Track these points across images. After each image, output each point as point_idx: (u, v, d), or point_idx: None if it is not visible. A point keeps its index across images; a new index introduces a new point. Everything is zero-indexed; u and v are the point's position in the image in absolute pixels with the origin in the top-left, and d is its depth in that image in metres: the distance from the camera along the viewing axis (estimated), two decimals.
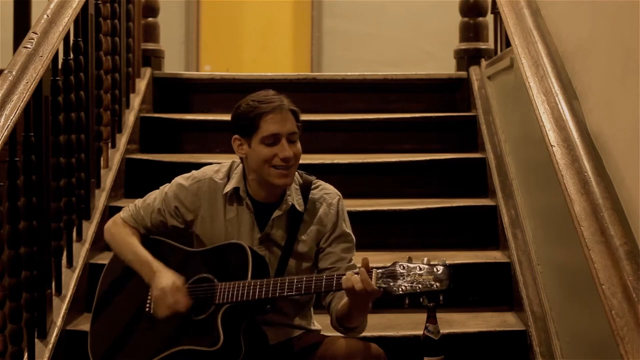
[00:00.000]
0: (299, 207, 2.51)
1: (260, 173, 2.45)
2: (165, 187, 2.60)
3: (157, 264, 2.47)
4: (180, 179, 2.59)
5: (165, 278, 2.42)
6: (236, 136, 2.48)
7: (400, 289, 2.21)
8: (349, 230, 2.56)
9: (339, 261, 2.50)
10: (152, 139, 4.17)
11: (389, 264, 2.26)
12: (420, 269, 2.22)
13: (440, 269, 2.21)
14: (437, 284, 2.19)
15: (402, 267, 2.23)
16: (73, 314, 3.10)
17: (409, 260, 2.25)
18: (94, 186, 3.50)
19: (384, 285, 2.23)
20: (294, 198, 2.51)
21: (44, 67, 2.84)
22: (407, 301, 2.21)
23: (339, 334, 2.50)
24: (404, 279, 2.22)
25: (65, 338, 2.99)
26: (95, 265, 3.25)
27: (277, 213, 2.50)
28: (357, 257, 2.97)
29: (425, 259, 2.24)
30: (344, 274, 2.30)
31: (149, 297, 2.49)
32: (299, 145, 2.47)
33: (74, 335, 3.00)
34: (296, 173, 2.57)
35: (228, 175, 2.56)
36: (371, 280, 2.24)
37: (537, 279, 3.03)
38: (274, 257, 2.51)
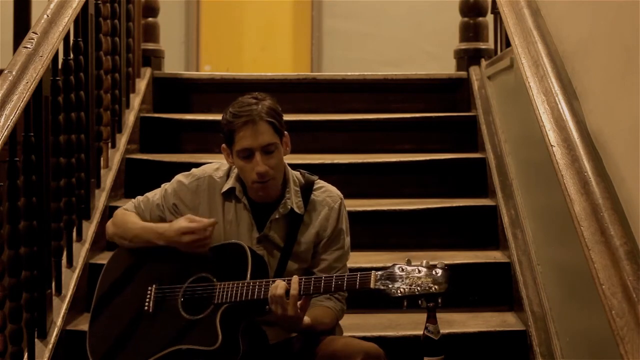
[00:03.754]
0: (299, 209, 2.51)
1: (245, 183, 2.48)
2: (166, 185, 2.63)
3: (162, 224, 2.51)
4: (180, 177, 2.60)
5: (177, 223, 2.46)
6: (223, 145, 2.51)
7: (398, 292, 2.21)
8: (345, 236, 2.56)
9: (329, 269, 2.51)
10: (152, 139, 4.17)
11: (388, 264, 2.26)
12: (419, 272, 2.22)
13: (439, 271, 2.21)
14: (436, 287, 2.19)
15: (400, 269, 2.23)
16: (73, 314, 3.10)
17: (408, 262, 2.25)
18: (94, 186, 3.50)
19: (382, 287, 2.23)
20: (294, 200, 2.51)
21: (44, 67, 2.84)
22: (405, 303, 2.21)
23: (338, 335, 2.51)
24: (402, 281, 2.22)
25: (65, 338, 2.99)
26: (95, 265, 3.25)
27: (275, 216, 2.50)
28: (358, 257, 2.99)
29: (424, 262, 2.24)
30: (344, 275, 2.31)
31: (148, 297, 2.49)
32: (278, 154, 2.45)
33: (74, 335, 3.00)
34: (298, 173, 2.58)
35: (228, 174, 2.56)
36: (370, 281, 2.24)
37: (537, 279, 3.03)
38: (273, 258, 2.51)
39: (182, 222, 2.46)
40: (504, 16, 3.29)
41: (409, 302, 2.21)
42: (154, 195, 2.62)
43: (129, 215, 2.60)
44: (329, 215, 2.54)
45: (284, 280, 2.33)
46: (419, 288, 2.20)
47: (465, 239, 3.62)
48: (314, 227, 2.53)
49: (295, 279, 2.32)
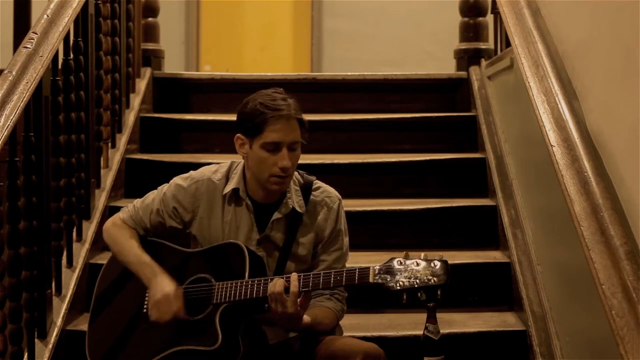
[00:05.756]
0: (300, 209, 2.51)
1: (257, 176, 2.46)
2: (164, 188, 2.60)
3: (158, 268, 2.47)
4: (178, 180, 2.59)
5: (168, 284, 2.42)
6: (239, 135, 2.47)
7: (397, 285, 2.21)
8: (344, 237, 2.57)
9: (328, 270, 2.50)
10: (152, 139, 4.17)
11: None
12: (418, 265, 2.22)
13: (438, 264, 2.21)
14: (435, 279, 2.19)
15: (399, 262, 2.24)
16: (73, 314, 3.10)
17: (406, 256, 2.25)
18: (94, 186, 3.50)
19: (381, 281, 2.23)
20: (295, 200, 2.51)
21: (44, 67, 2.84)
22: (404, 297, 2.21)
23: (338, 334, 2.51)
24: (401, 274, 2.22)
25: (65, 338, 2.99)
26: (95, 265, 3.25)
27: (276, 215, 2.50)
28: (358, 257, 2.98)
29: (423, 255, 2.24)
30: (342, 271, 2.32)
31: (147, 298, 2.48)
32: (298, 152, 2.46)
33: (74, 335, 3.00)
34: (296, 173, 2.57)
35: (227, 176, 2.55)
36: (369, 276, 2.25)
37: (537, 279, 3.03)
38: (272, 259, 2.50)
39: (172, 292, 2.40)
40: (504, 16, 3.29)
41: (409, 296, 2.21)
42: (152, 200, 2.59)
43: (128, 237, 2.56)
44: (328, 216, 2.54)
45: (283, 278, 2.33)
46: (418, 281, 2.20)
47: (465, 239, 3.62)
48: (313, 228, 2.52)
49: (294, 275, 2.32)
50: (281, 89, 2.49)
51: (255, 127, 2.41)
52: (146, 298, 2.49)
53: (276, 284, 2.30)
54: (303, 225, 2.52)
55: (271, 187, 2.44)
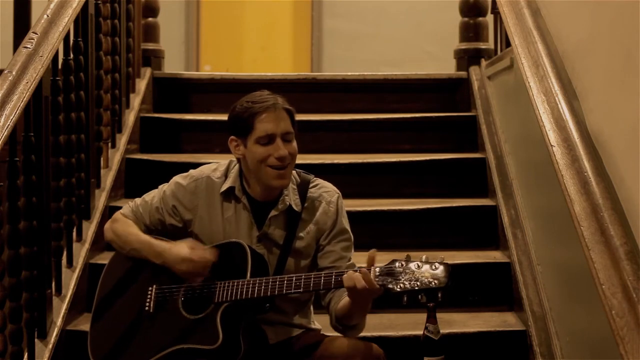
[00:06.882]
0: (296, 207, 2.51)
1: (257, 174, 2.46)
2: (164, 186, 2.61)
3: (162, 244, 2.49)
4: (178, 178, 2.60)
5: (178, 248, 2.44)
6: (232, 137, 2.49)
7: (398, 287, 2.21)
8: (348, 227, 2.57)
9: (340, 260, 2.51)
10: (152, 139, 4.17)
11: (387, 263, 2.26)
12: (419, 267, 2.22)
13: (439, 266, 2.21)
14: (436, 282, 2.20)
15: (400, 265, 2.24)
16: (73, 314, 3.10)
17: (407, 258, 2.25)
18: (94, 186, 3.50)
19: (382, 283, 2.23)
20: (291, 198, 2.52)
21: (44, 67, 2.84)
22: (405, 299, 2.21)
23: (338, 334, 2.51)
24: (402, 276, 2.22)
25: (65, 338, 2.99)
26: (95, 265, 3.26)
27: (273, 213, 2.50)
28: (358, 257, 2.98)
29: (424, 257, 2.25)
30: (344, 272, 2.31)
31: (149, 297, 2.49)
32: (294, 144, 2.47)
33: (74, 335, 3.00)
34: (294, 172, 2.58)
35: (226, 174, 2.56)
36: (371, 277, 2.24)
37: (537, 279, 3.03)
38: (272, 256, 2.51)
39: (184, 249, 2.44)
40: (504, 16, 3.29)
41: (409, 298, 2.21)
42: (152, 198, 2.61)
43: (129, 225, 2.58)
44: (327, 209, 2.54)
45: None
46: (419, 283, 2.20)
47: (465, 239, 3.62)
48: (313, 223, 2.53)
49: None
50: (266, 90, 2.52)
51: (246, 124, 2.43)
52: (148, 297, 2.49)
53: (353, 278, 2.25)
54: (302, 221, 2.53)
55: (273, 183, 2.45)
